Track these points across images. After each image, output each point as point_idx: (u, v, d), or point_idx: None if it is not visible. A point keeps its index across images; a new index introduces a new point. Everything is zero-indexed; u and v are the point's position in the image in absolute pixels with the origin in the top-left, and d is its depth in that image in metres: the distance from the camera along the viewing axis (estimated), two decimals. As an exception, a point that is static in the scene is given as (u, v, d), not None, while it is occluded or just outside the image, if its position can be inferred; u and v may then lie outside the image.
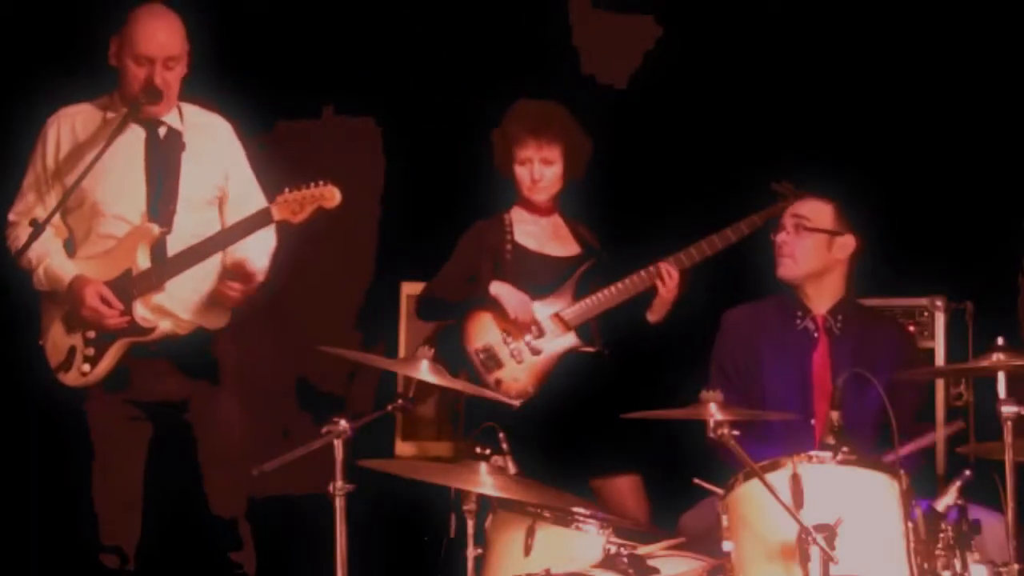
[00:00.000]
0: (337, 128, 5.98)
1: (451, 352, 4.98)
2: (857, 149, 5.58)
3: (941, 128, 5.57)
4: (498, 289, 5.05)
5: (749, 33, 5.76)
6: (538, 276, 5.13)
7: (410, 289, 5.66)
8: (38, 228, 4.61)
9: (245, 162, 4.89)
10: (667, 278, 5.04)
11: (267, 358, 5.52)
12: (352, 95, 5.97)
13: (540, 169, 5.10)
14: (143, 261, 4.67)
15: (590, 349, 5.13)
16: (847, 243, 4.84)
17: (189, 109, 4.83)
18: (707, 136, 5.75)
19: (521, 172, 5.12)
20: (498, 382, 5.03)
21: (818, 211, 4.85)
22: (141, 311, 4.68)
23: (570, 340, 5.10)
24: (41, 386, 4.80)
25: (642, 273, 5.08)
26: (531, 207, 5.20)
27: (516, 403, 4.96)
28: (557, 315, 5.10)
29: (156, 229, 4.69)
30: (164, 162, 4.73)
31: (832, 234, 4.82)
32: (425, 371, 4.04)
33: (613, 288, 5.08)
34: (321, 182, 4.60)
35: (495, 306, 5.06)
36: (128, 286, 4.67)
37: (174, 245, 4.70)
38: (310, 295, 5.72)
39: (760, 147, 5.68)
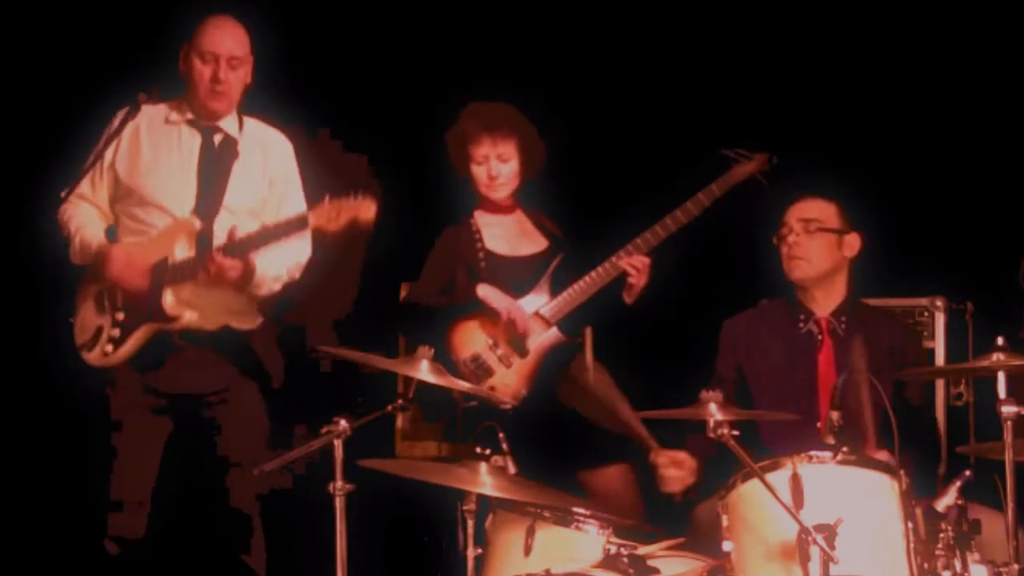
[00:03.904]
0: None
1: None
2: (857, 149, 5.59)
3: (941, 128, 5.57)
4: (485, 292, 5.06)
5: (751, 31, 5.76)
6: (513, 278, 5.13)
7: (410, 289, 5.66)
8: (60, 201, 4.82)
9: (294, 176, 4.96)
10: (636, 269, 5.02)
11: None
12: (352, 95, 5.98)
13: (497, 166, 5.11)
14: (180, 252, 4.74)
15: (575, 341, 5.14)
16: (854, 241, 4.86)
17: (251, 122, 4.97)
18: (706, 134, 5.75)
19: (478, 171, 5.13)
20: (491, 389, 5.01)
21: (825, 211, 4.86)
22: (169, 299, 4.73)
23: (553, 336, 5.11)
24: (67, 365, 4.87)
25: (613, 260, 5.06)
26: (492, 207, 5.20)
27: (512, 403, 4.99)
28: (537, 313, 5.10)
29: (197, 223, 4.76)
30: (215, 167, 4.85)
31: (841, 233, 4.83)
32: (425, 371, 4.04)
33: (587, 279, 5.07)
34: (360, 194, 4.65)
35: (480, 312, 5.06)
36: (162, 273, 4.74)
37: (217, 240, 4.76)
38: (311, 294, 5.72)
39: (762, 146, 5.68)
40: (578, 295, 5.08)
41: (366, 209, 4.65)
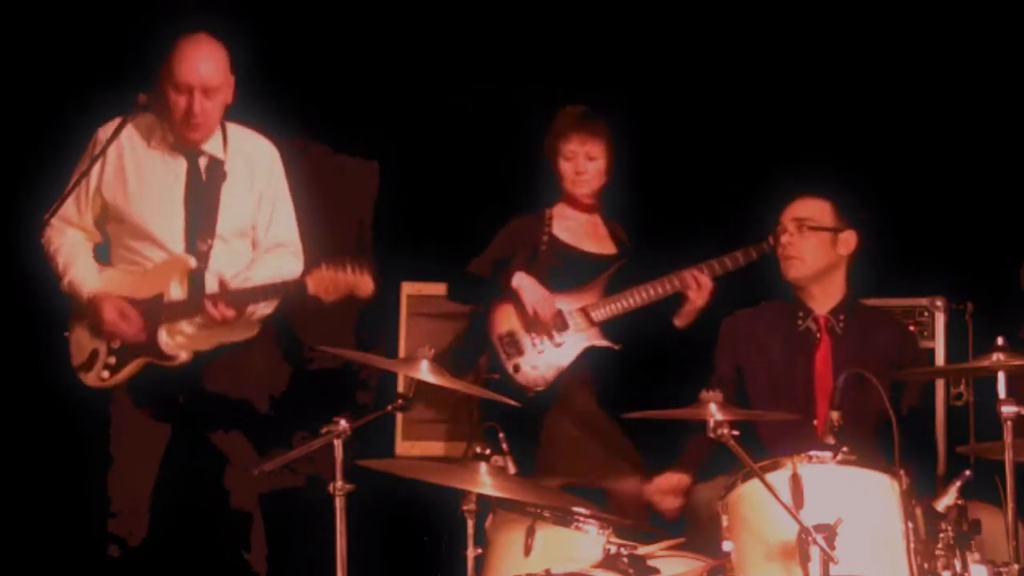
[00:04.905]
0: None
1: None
2: (857, 150, 5.59)
3: (941, 128, 5.57)
4: (520, 281, 5.13)
5: (754, 36, 5.76)
6: (570, 270, 5.21)
7: (410, 289, 5.67)
8: (44, 222, 4.73)
9: (283, 189, 4.91)
10: (700, 285, 5.08)
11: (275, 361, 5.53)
12: (351, 99, 5.98)
13: (584, 163, 5.22)
14: (175, 291, 4.72)
15: (614, 346, 5.16)
16: (849, 239, 4.86)
17: (235, 132, 4.86)
18: (717, 143, 5.78)
19: (566, 165, 5.25)
20: (516, 368, 5.10)
21: (818, 210, 4.87)
22: (165, 339, 4.73)
23: (593, 335, 5.15)
24: (64, 380, 4.85)
25: (673, 279, 5.13)
26: (574, 203, 5.30)
27: (533, 391, 5.05)
28: (583, 309, 5.16)
29: (192, 262, 4.72)
30: (204, 195, 4.77)
31: (835, 231, 4.84)
32: (425, 371, 4.04)
33: (642, 289, 5.14)
34: (359, 270, 4.63)
35: (516, 298, 5.12)
36: (157, 311, 4.72)
37: (209, 280, 4.73)
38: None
39: (764, 148, 5.68)
40: (631, 302, 5.14)
41: (365, 286, 4.65)
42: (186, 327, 4.74)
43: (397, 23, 5.96)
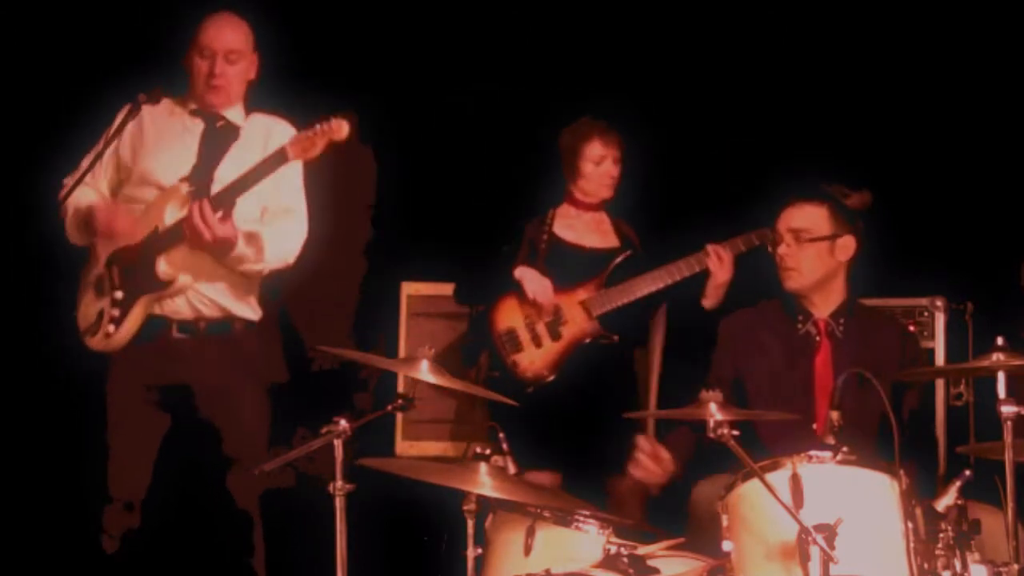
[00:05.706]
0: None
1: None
2: (857, 149, 5.59)
3: (941, 128, 5.58)
4: (522, 272, 5.20)
5: (755, 36, 5.77)
6: (572, 266, 5.26)
7: (410, 289, 5.67)
8: (69, 189, 4.81)
9: (297, 176, 4.94)
10: (720, 258, 5.14)
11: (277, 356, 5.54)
12: (351, 99, 5.97)
13: (611, 166, 5.28)
14: (171, 216, 4.76)
15: (612, 338, 5.19)
16: (847, 244, 4.82)
17: (258, 116, 4.99)
18: (717, 143, 5.78)
19: (593, 169, 5.27)
20: (514, 364, 5.16)
21: (814, 217, 4.81)
22: (163, 267, 4.75)
23: (592, 328, 5.16)
24: (67, 358, 4.90)
25: (669, 267, 5.18)
26: (579, 204, 5.35)
27: (531, 385, 5.09)
28: (581, 303, 5.18)
29: (184, 188, 4.78)
30: (214, 147, 4.87)
31: (832, 238, 4.81)
32: (425, 371, 4.04)
33: (639, 279, 5.18)
34: (331, 118, 4.67)
35: (520, 290, 5.17)
36: (154, 243, 4.75)
37: None
38: (311, 294, 5.72)
39: (763, 148, 5.69)
40: (628, 293, 5.18)
41: (339, 129, 4.67)
42: (184, 251, 4.75)
43: (397, 22, 5.96)
